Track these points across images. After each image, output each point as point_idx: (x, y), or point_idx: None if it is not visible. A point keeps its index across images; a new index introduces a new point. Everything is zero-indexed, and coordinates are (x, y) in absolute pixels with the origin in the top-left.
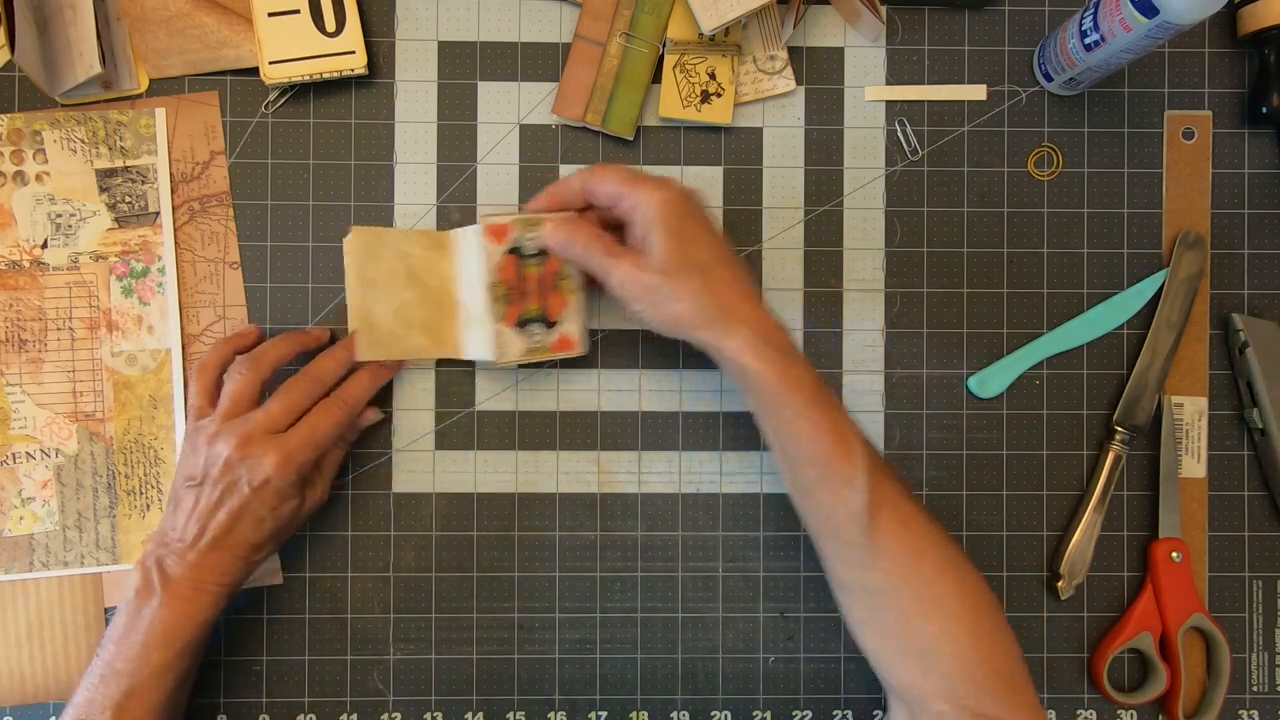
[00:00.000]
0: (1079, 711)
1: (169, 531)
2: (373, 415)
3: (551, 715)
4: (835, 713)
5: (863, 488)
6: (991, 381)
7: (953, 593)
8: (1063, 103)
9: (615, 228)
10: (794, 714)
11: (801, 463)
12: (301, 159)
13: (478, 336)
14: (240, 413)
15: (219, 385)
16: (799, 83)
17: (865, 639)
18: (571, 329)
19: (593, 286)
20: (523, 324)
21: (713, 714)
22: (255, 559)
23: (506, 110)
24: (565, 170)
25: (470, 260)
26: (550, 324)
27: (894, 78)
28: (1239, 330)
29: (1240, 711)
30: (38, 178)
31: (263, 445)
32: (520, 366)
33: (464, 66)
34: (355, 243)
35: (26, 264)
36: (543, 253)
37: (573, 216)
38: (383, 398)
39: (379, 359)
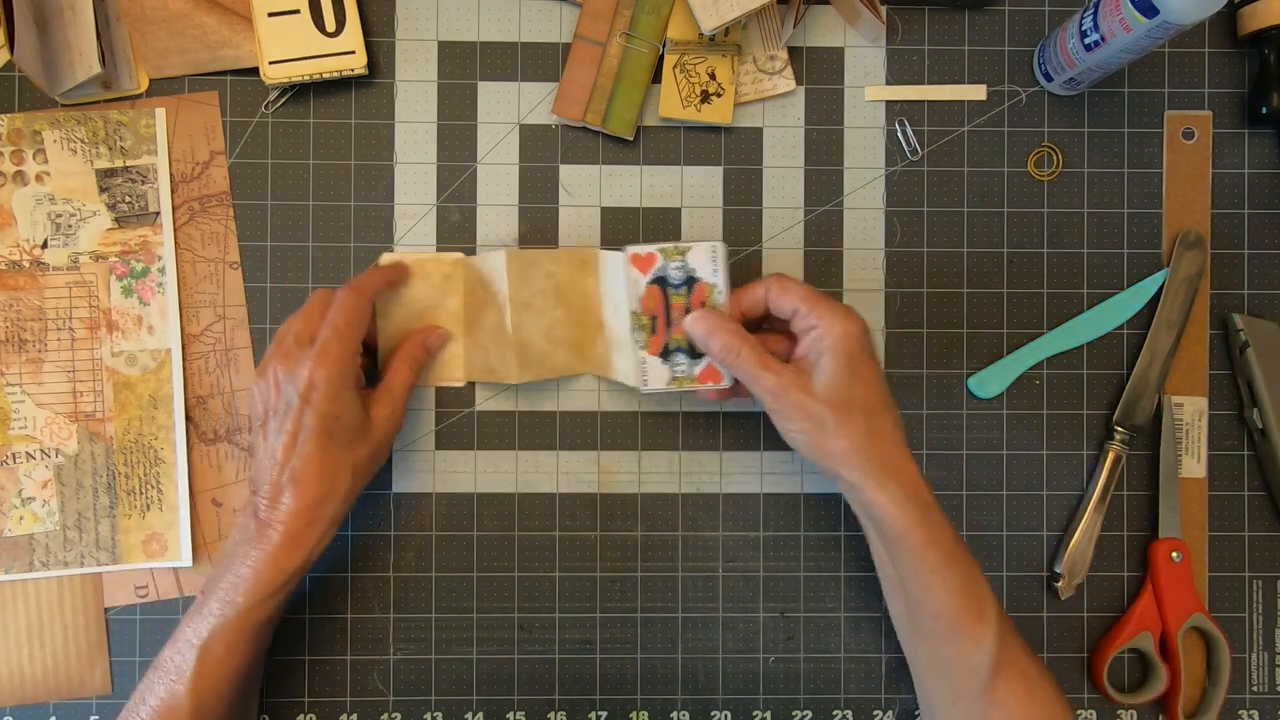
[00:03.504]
0: (1079, 711)
1: (255, 480)
2: (440, 337)
3: (551, 715)
4: (835, 713)
5: (990, 651)
6: (991, 381)
7: None
8: (1063, 103)
9: (754, 325)
10: (794, 714)
11: (928, 614)
12: (301, 159)
13: (623, 361)
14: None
15: None
16: (799, 83)
17: None
18: None
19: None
20: (667, 354)
21: (713, 714)
22: (340, 486)
23: (506, 110)
24: (565, 170)
25: (616, 285)
26: (695, 355)
27: (894, 78)
28: (1239, 330)
29: (1240, 711)
30: (38, 178)
31: (298, 355)
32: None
33: (464, 66)
34: (511, 266)
35: (26, 264)
36: (689, 281)
37: (713, 311)
38: None
39: (533, 379)
